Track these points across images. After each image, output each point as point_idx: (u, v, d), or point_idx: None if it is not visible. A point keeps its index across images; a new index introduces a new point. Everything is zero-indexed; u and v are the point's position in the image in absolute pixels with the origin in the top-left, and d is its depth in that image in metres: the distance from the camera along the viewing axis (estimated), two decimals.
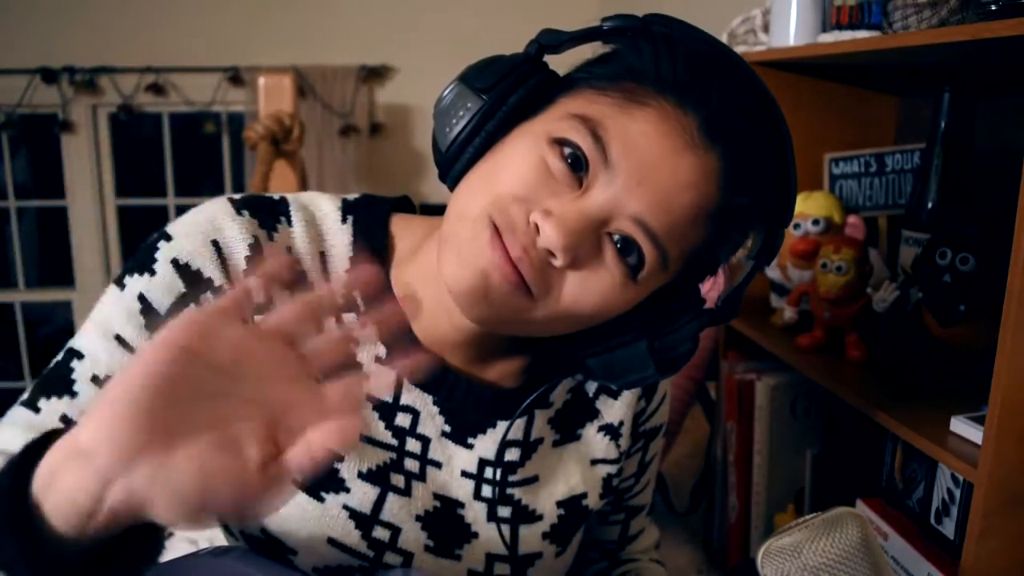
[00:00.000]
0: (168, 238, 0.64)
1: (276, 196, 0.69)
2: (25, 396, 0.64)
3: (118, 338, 0.63)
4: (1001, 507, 0.72)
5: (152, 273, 0.63)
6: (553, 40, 0.62)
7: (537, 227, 0.56)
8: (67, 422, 0.62)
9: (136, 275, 0.64)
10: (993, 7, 0.74)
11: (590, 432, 0.75)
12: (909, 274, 0.94)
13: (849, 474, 1.12)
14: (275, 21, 3.00)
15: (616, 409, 0.76)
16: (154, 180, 3.29)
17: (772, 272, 1.22)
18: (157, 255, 0.63)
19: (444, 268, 0.59)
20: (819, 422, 1.22)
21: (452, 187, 0.63)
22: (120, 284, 0.64)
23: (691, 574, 1.31)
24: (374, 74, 3.06)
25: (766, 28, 1.31)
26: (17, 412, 0.63)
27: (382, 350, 0.67)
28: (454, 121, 0.61)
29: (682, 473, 1.58)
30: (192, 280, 0.63)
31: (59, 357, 0.65)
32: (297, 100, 2.19)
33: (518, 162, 0.58)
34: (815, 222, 1.13)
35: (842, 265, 1.01)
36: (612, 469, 0.77)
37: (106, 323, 0.64)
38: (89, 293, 3.27)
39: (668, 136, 0.56)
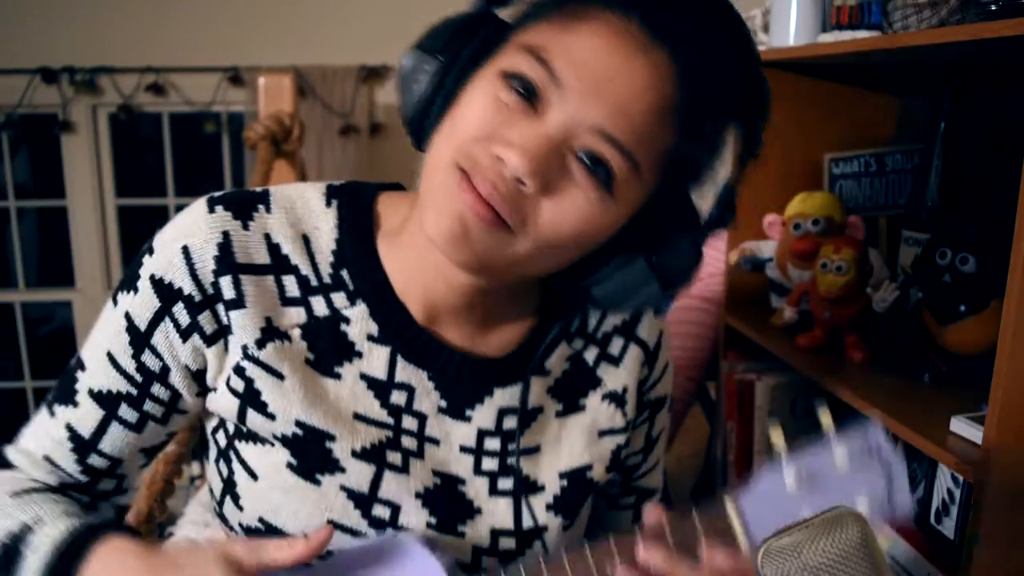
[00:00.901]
0: (151, 252, 0.68)
1: (260, 189, 0.70)
2: (50, 396, 0.71)
3: (109, 355, 0.68)
4: (1001, 507, 0.72)
5: (136, 291, 0.67)
6: None
7: (501, 160, 0.57)
8: (71, 431, 0.69)
9: (125, 292, 0.68)
10: (993, 7, 0.74)
11: (594, 402, 0.75)
12: (909, 274, 0.94)
13: None
14: (275, 21, 3.00)
15: (619, 376, 0.76)
16: (154, 180, 3.29)
17: (772, 272, 1.22)
18: (141, 271, 0.67)
19: (424, 223, 0.61)
20: (819, 422, 1.22)
21: (418, 123, 0.64)
22: (115, 301, 0.69)
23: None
24: (374, 74, 3.06)
25: (766, 28, 1.31)
26: (41, 414, 0.71)
27: (374, 328, 0.68)
28: (415, 86, 0.63)
29: (682, 473, 1.58)
30: (165, 294, 0.66)
31: (71, 363, 0.71)
32: (297, 100, 2.19)
33: (474, 106, 0.59)
34: (815, 222, 1.13)
35: (842, 265, 1.01)
36: (620, 440, 0.76)
37: (101, 340, 0.69)
38: (89, 293, 3.27)
39: (615, 44, 0.56)
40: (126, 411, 0.69)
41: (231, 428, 0.70)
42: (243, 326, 0.66)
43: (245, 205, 0.68)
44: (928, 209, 0.99)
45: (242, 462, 0.69)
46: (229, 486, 0.71)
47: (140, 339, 0.67)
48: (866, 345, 1.02)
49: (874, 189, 1.22)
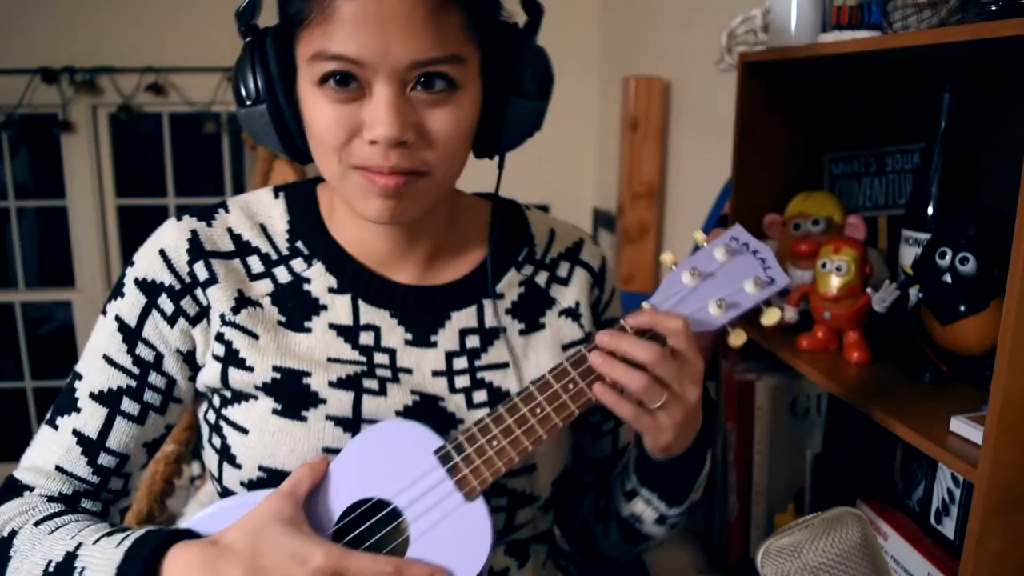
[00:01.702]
0: (132, 264, 0.78)
1: (217, 200, 0.82)
2: (48, 416, 0.78)
3: (105, 357, 0.76)
4: (1001, 507, 0.72)
5: (123, 296, 0.77)
6: (245, 15, 0.73)
7: (376, 141, 0.66)
8: (78, 435, 0.76)
9: (113, 301, 0.77)
10: (993, 7, 0.74)
11: (552, 318, 0.84)
12: (909, 274, 0.94)
13: (849, 474, 1.12)
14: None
15: (569, 293, 0.85)
16: (154, 180, 3.29)
17: None
18: (125, 279, 0.77)
19: (361, 214, 0.71)
20: (819, 422, 1.22)
21: (297, 152, 0.74)
22: (104, 312, 0.78)
23: (691, 574, 1.31)
24: None
25: (766, 28, 1.31)
26: (43, 431, 0.78)
27: (332, 280, 0.78)
28: (265, 132, 0.73)
29: None
30: (149, 290, 0.76)
31: (67, 381, 0.79)
32: None
33: (322, 120, 0.68)
34: (815, 222, 1.13)
35: (842, 265, 1.01)
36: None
37: (96, 347, 0.77)
38: (89, 293, 3.27)
39: (366, 7, 0.63)
40: (128, 404, 0.76)
41: (217, 401, 0.78)
42: (219, 299, 0.75)
43: (207, 210, 0.80)
44: (928, 209, 0.99)
45: (232, 424, 0.76)
46: (224, 452, 0.76)
47: (132, 334, 0.76)
48: (866, 345, 1.02)
49: (874, 189, 1.22)
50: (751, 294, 0.72)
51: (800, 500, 1.23)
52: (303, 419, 0.74)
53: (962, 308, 0.85)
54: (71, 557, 0.68)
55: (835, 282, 1.02)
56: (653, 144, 2.34)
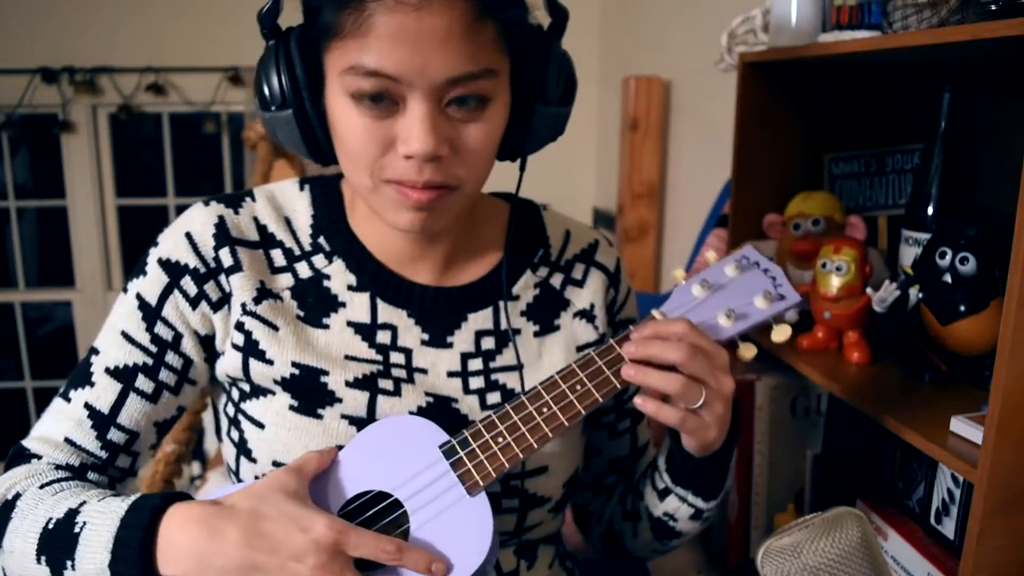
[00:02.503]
0: (156, 244, 0.78)
1: (244, 189, 0.82)
2: (61, 389, 0.78)
3: (124, 334, 0.77)
4: (1001, 507, 0.72)
5: (145, 275, 0.77)
6: (268, 17, 0.70)
7: (410, 156, 0.66)
8: (90, 409, 0.76)
9: (134, 279, 0.78)
10: (993, 7, 0.74)
11: (567, 320, 0.85)
12: (909, 274, 0.94)
13: (849, 474, 1.12)
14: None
15: (584, 295, 0.86)
16: (154, 180, 3.29)
17: None
18: (148, 259, 0.77)
19: (393, 225, 0.72)
20: (819, 422, 1.22)
21: (323, 156, 0.73)
22: (125, 290, 0.78)
23: (691, 574, 1.31)
24: None
25: (766, 28, 1.31)
26: (56, 403, 0.78)
27: (352, 278, 0.79)
28: (289, 136, 0.72)
29: None
30: (173, 271, 0.76)
31: (83, 356, 0.78)
32: None
33: (355, 133, 0.67)
34: (815, 222, 1.13)
35: (842, 265, 1.01)
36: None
37: (115, 323, 0.78)
38: (89, 293, 3.27)
39: (401, 18, 0.62)
40: (142, 381, 0.76)
41: (236, 395, 0.79)
42: (241, 287, 0.76)
43: (234, 198, 0.80)
44: (928, 209, 0.99)
45: (249, 419, 0.77)
46: (241, 446, 0.78)
47: (152, 313, 0.76)
48: (866, 345, 1.02)
49: (874, 189, 1.22)
50: (761, 308, 0.72)
51: (800, 500, 1.23)
52: (319, 416, 0.74)
53: (962, 308, 0.85)
54: (73, 513, 0.68)
55: (835, 282, 1.02)
56: (653, 144, 2.34)
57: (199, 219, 0.77)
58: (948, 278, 0.86)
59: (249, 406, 0.77)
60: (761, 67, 1.18)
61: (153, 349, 0.76)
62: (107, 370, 0.76)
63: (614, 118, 2.55)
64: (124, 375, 0.76)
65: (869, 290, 0.97)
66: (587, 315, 0.85)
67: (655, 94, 2.29)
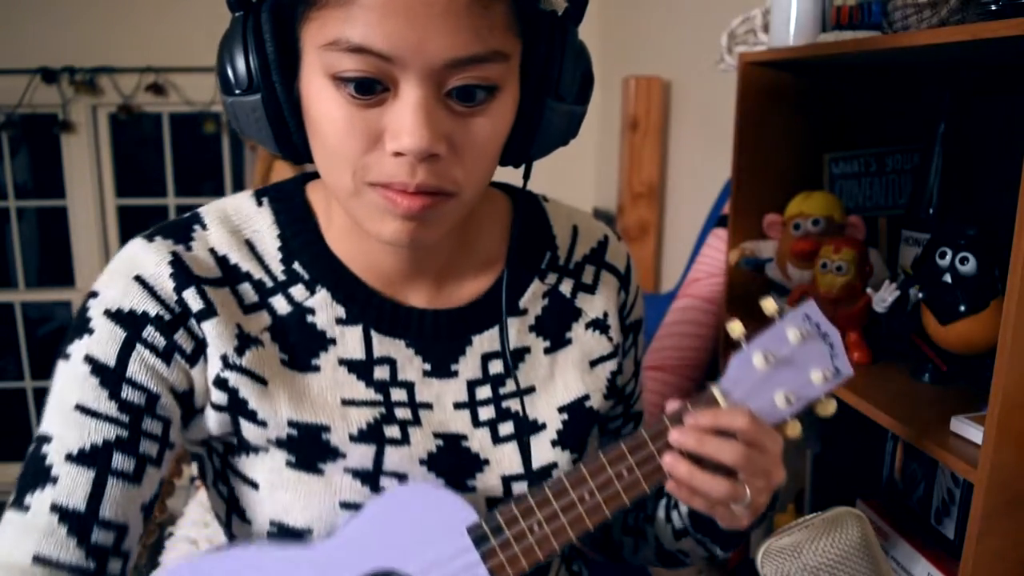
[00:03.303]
0: (95, 295, 0.64)
1: (188, 213, 0.69)
2: (11, 498, 0.62)
3: (79, 408, 0.61)
4: (1001, 507, 0.72)
5: (90, 332, 0.62)
6: None
7: (400, 153, 0.55)
8: (59, 510, 0.60)
9: (76, 341, 0.63)
10: (993, 7, 0.74)
11: (579, 332, 0.76)
12: (909, 274, 0.94)
13: (849, 474, 1.12)
14: None
15: (597, 302, 0.77)
16: (154, 180, 3.29)
17: (772, 272, 1.22)
18: (90, 314, 0.63)
19: (373, 233, 0.60)
20: (819, 422, 1.22)
21: (294, 151, 0.62)
22: (65, 356, 0.63)
23: (691, 574, 1.31)
24: None
25: (766, 28, 1.31)
26: (8, 516, 0.61)
27: (340, 310, 0.68)
28: (256, 126, 0.60)
29: None
30: (129, 322, 0.62)
31: (29, 450, 0.63)
32: None
33: (335, 124, 0.56)
34: (815, 222, 1.13)
35: (842, 265, 1.01)
36: (612, 365, 0.77)
37: (61, 399, 0.62)
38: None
39: None
40: (120, 460, 0.62)
41: (221, 447, 0.69)
42: (219, 335, 0.64)
43: (180, 228, 0.67)
44: (928, 209, 0.99)
45: (241, 476, 0.67)
46: (232, 504, 0.69)
47: (113, 376, 0.62)
48: (866, 345, 1.02)
49: (874, 189, 1.22)
50: (817, 386, 0.67)
51: (800, 500, 1.23)
52: (320, 472, 0.65)
53: (962, 308, 0.85)
54: None
55: (835, 282, 1.02)
56: (653, 144, 2.34)
57: (148, 259, 0.63)
58: (948, 278, 0.86)
59: (239, 462, 0.67)
60: (761, 67, 1.18)
61: (125, 418, 0.62)
62: (70, 457, 0.61)
63: (614, 118, 2.55)
64: (94, 457, 0.61)
65: (869, 290, 0.97)
66: (600, 325, 0.77)
67: (655, 94, 2.29)
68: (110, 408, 0.62)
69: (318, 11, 0.54)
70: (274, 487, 0.66)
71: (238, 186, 3.30)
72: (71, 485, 0.60)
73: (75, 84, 3.01)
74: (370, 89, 0.54)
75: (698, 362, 1.50)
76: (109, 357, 0.62)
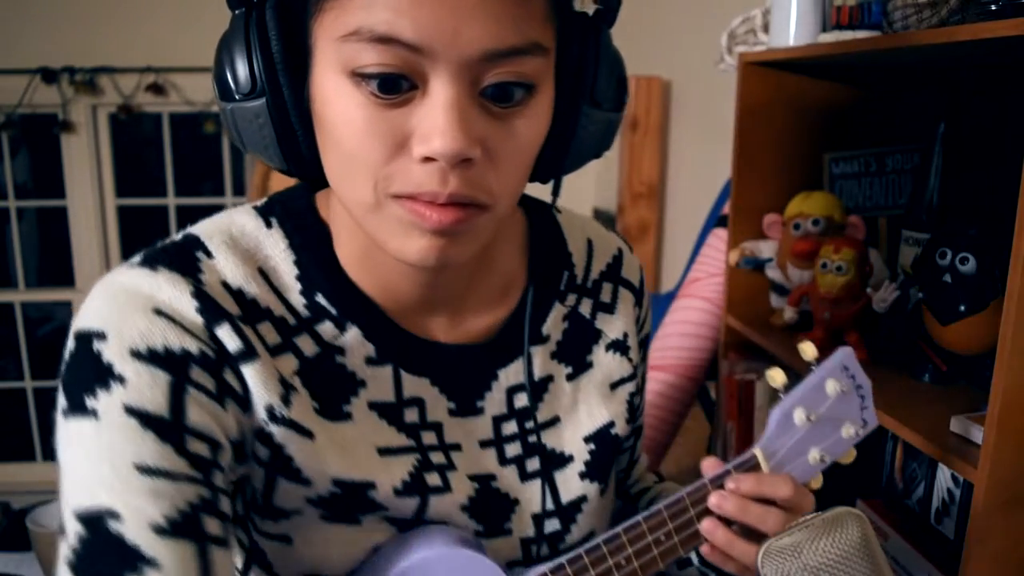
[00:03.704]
0: (100, 336, 0.52)
1: (178, 237, 0.59)
2: None
3: (143, 470, 0.50)
4: (1001, 507, 0.72)
5: (119, 380, 0.51)
6: None
7: (431, 158, 0.49)
8: None
9: (102, 393, 0.51)
10: (993, 7, 0.74)
11: (599, 355, 0.71)
12: (909, 274, 0.94)
13: (849, 474, 1.12)
14: None
15: (617, 322, 0.73)
16: (154, 180, 3.29)
17: (772, 272, 1.22)
18: (107, 359, 0.51)
19: (395, 252, 0.53)
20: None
21: (300, 163, 0.55)
22: (91, 414, 0.50)
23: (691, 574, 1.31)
24: None
25: (766, 28, 1.31)
26: None
27: (371, 349, 0.60)
28: (259, 135, 0.53)
29: (682, 473, 1.58)
30: (169, 362, 0.52)
31: (81, 534, 0.49)
32: None
33: (353, 131, 0.49)
34: (815, 222, 1.13)
35: (842, 265, 1.01)
36: (631, 387, 0.74)
37: (113, 464, 0.50)
38: (89, 293, 3.28)
39: None
40: (211, 524, 0.52)
41: (239, 505, 0.61)
42: (262, 382, 0.55)
43: (182, 256, 0.56)
44: (928, 209, 0.99)
45: (267, 534, 0.60)
46: (255, 555, 0.62)
47: (171, 427, 0.51)
48: (866, 345, 1.02)
49: (874, 189, 1.22)
50: (845, 440, 0.66)
51: None
52: (358, 522, 0.59)
53: (962, 308, 0.85)
54: None
55: (835, 282, 1.02)
56: (653, 144, 2.34)
57: (161, 290, 0.53)
58: (948, 278, 0.86)
59: (267, 525, 0.60)
60: (761, 67, 1.18)
61: (199, 475, 0.51)
62: (160, 531, 0.49)
63: None
64: (188, 527, 0.50)
65: (869, 290, 0.97)
66: (620, 346, 0.72)
67: (655, 94, 2.29)
68: (181, 465, 0.51)
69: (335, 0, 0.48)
70: (309, 544, 0.60)
71: (238, 186, 3.30)
72: (177, 565, 0.49)
73: (75, 84, 3.01)
74: (395, 86, 0.48)
75: (698, 362, 1.50)
76: (159, 406, 0.51)
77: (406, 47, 0.46)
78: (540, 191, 0.66)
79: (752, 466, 0.63)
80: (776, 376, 0.64)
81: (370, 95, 0.48)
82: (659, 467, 1.57)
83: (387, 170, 0.50)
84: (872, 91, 1.23)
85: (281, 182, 2.08)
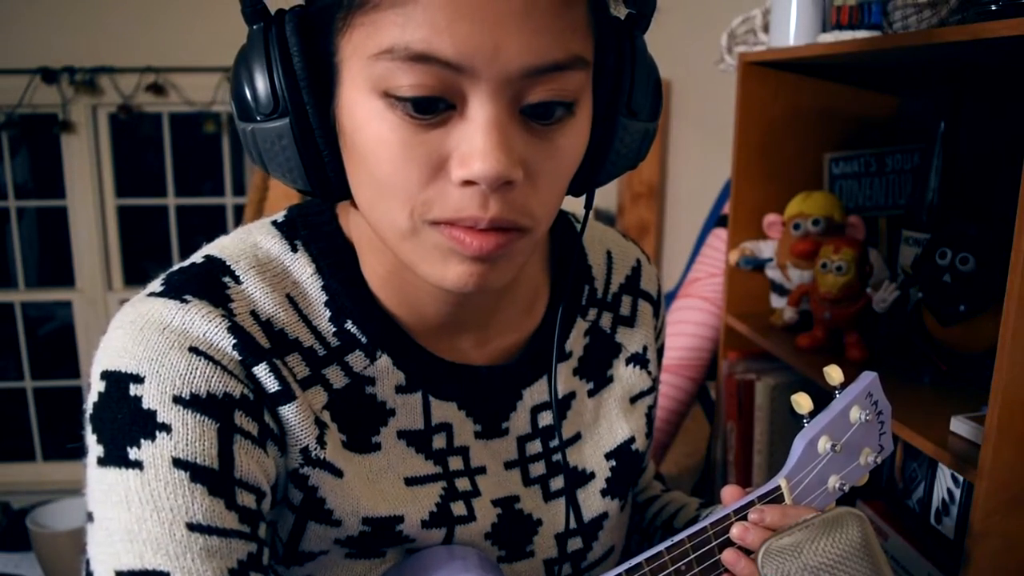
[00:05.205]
0: (137, 380, 0.49)
1: (198, 259, 0.56)
2: None
3: (195, 528, 0.48)
4: (1001, 507, 0.72)
5: (165, 429, 0.48)
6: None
7: (471, 182, 0.46)
8: None
9: (146, 442, 0.48)
10: (993, 7, 0.74)
11: (619, 369, 0.70)
12: (909, 274, 0.94)
13: None
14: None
15: (637, 335, 0.71)
16: (154, 180, 3.29)
17: (772, 272, 1.22)
18: (148, 405, 0.49)
19: (436, 280, 0.51)
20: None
21: (326, 188, 0.53)
22: (133, 465, 0.48)
23: None
24: None
25: (766, 28, 1.31)
26: None
27: (401, 377, 0.59)
28: (282, 158, 0.51)
29: (682, 473, 1.58)
30: (214, 408, 0.50)
31: None
32: None
33: (387, 155, 0.47)
34: (815, 222, 1.13)
35: (842, 265, 1.01)
36: (650, 400, 0.74)
37: (162, 522, 0.48)
38: (89, 293, 3.27)
39: None
40: None
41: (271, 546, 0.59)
42: (299, 423, 0.53)
43: (211, 284, 0.54)
44: (928, 209, 0.99)
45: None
46: None
47: (222, 479, 0.49)
48: (866, 345, 1.02)
49: (874, 189, 1.22)
50: (862, 466, 0.66)
51: None
52: (382, 556, 0.58)
53: (962, 308, 0.85)
54: None
55: (835, 282, 1.02)
56: (653, 144, 2.34)
57: (199, 327, 0.51)
58: (948, 278, 0.86)
59: (289, 572, 0.58)
60: (761, 67, 1.18)
61: (247, 529, 0.50)
62: None
63: None
64: None
65: (869, 290, 0.97)
66: (640, 360, 0.72)
67: None
68: (231, 520, 0.49)
69: (366, 15, 0.45)
70: None
71: (238, 186, 3.30)
72: None
73: (75, 84, 3.01)
74: (432, 107, 0.45)
75: (698, 362, 1.50)
76: (208, 457, 0.49)
77: (444, 65, 0.44)
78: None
79: (776, 496, 0.62)
80: (802, 402, 0.63)
81: (405, 116, 0.46)
82: (659, 467, 1.57)
83: (424, 195, 0.47)
84: (872, 91, 1.23)
85: (279, 185, 2.08)
